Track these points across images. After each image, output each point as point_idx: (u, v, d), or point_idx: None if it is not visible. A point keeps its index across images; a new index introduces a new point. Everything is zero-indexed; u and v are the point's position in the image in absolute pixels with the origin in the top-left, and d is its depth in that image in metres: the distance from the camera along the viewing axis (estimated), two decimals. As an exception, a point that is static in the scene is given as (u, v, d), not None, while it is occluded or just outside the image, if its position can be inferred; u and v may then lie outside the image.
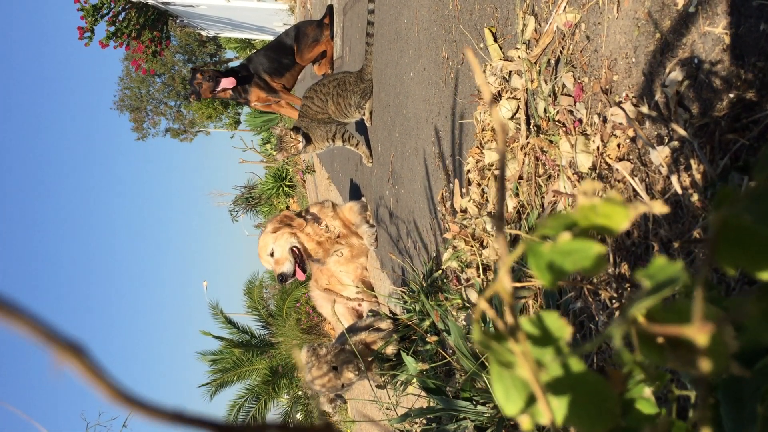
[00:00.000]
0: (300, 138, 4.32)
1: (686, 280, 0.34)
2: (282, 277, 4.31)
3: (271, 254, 4.31)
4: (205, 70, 6.48)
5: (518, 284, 1.75)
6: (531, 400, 0.40)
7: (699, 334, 0.33)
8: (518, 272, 1.84)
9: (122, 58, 36.19)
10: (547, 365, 0.41)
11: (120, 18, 13.48)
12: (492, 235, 2.12)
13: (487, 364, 1.94)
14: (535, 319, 0.42)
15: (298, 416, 12.26)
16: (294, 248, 4.31)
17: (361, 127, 4.96)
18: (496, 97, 2.04)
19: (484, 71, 2.16)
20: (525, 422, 0.40)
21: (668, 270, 0.37)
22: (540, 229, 0.41)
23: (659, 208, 0.39)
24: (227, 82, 6.48)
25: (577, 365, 0.41)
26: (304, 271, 4.37)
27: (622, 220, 0.39)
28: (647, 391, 0.54)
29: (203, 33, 24.97)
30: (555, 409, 0.40)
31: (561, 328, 0.41)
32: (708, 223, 1.10)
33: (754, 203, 0.35)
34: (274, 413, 12.43)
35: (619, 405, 0.42)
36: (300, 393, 12.00)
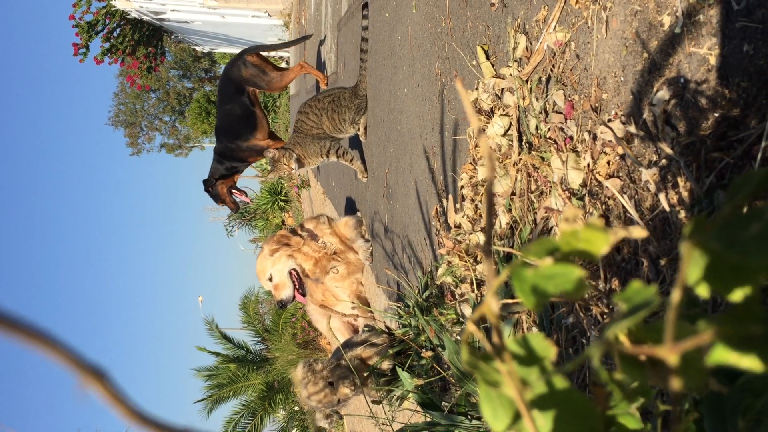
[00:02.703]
0: (293, 165, 4.36)
1: (659, 302, 0.36)
2: (281, 303, 4.34)
3: (270, 279, 4.33)
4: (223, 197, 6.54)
5: (511, 300, 1.76)
6: (517, 418, 0.42)
7: (669, 354, 0.35)
8: (511, 289, 1.86)
9: (117, 74, 36.41)
10: (532, 384, 0.43)
11: (115, 34, 13.55)
12: (486, 251, 2.14)
13: (481, 378, 1.96)
14: (521, 340, 0.44)
15: (295, 432, 12.22)
16: (292, 271, 4.33)
17: (355, 142, 4.99)
18: (489, 114, 2.06)
19: (477, 88, 2.19)
20: (511, 439, 0.42)
21: (643, 293, 0.39)
22: (524, 254, 0.43)
23: (638, 233, 0.42)
24: (239, 196, 6.70)
25: (561, 383, 0.43)
26: (303, 294, 4.39)
27: (602, 245, 0.41)
28: (632, 407, 0.56)
29: (198, 48, 25.07)
30: (540, 426, 0.42)
31: (546, 348, 0.43)
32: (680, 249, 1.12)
33: (723, 230, 0.37)
34: (270, 429, 12.39)
35: (602, 421, 0.44)
36: (296, 408, 11.97)
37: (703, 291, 0.38)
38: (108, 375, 0.25)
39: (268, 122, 6.48)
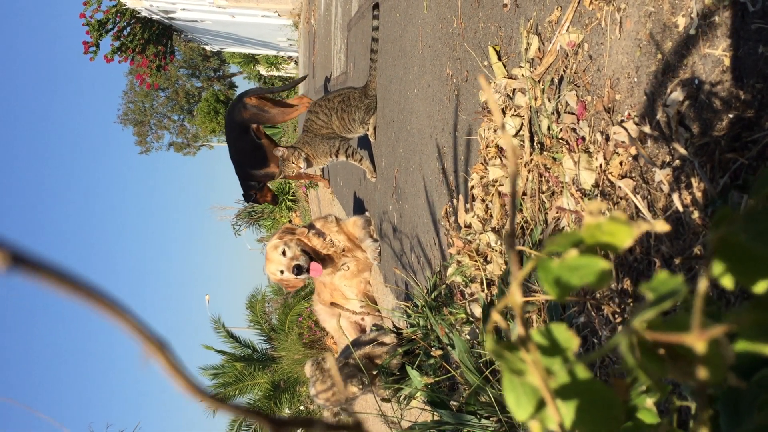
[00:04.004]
0: (302, 164, 4.41)
1: (686, 292, 0.37)
2: (298, 269, 4.25)
3: (283, 253, 4.31)
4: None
5: (523, 299, 1.77)
6: (540, 406, 0.43)
7: (697, 341, 0.36)
8: (522, 287, 1.86)
9: (126, 73, 36.51)
10: (556, 373, 0.43)
11: (125, 33, 13.60)
12: (496, 251, 2.14)
13: (491, 378, 1.96)
14: (545, 330, 0.45)
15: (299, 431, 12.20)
16: (305, 250, 4.34)
17: (365, 142, 5.00)
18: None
19: (482, 88, 2.20)
20: (535, 427, 0.43)
21: (670, 283, 0.39)
22: (549, 246, 0.44)
23: (661, 227, 0.42)
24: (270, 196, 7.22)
25: (583, 373, 0.44)
26: (318, 263, 4.37)
27: (625, 237, 0.42)
28: (649, 402, 0.57)
29: (207, 48, 25.17)
30: (563, 414, 0.43)
31: (569, 339, 0.44)
32: (707, 241, 1.13)
33: (749, 223, 0.38)
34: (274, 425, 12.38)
35: (623, 412, 0.44)
36: (302, 407, 11.98)
37: (727, 282, 0.38)
38: (170, 347, 0.26)
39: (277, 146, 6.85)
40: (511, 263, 0.43)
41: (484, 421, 1.94)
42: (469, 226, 2.43)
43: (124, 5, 13.35)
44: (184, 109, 38.85)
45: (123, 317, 0.24)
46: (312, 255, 4.35)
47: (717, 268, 0.38)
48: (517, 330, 0.44)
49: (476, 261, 2.28)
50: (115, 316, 0.24)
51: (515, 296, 0.42)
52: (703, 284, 0.36)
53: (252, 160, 6.57)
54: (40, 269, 0.22)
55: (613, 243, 0.42)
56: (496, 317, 0.43)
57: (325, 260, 4.44)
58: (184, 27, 17.08)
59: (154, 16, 14.65)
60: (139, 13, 13.98)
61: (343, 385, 3.09)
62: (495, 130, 2.23)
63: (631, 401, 0.52)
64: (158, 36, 14.66)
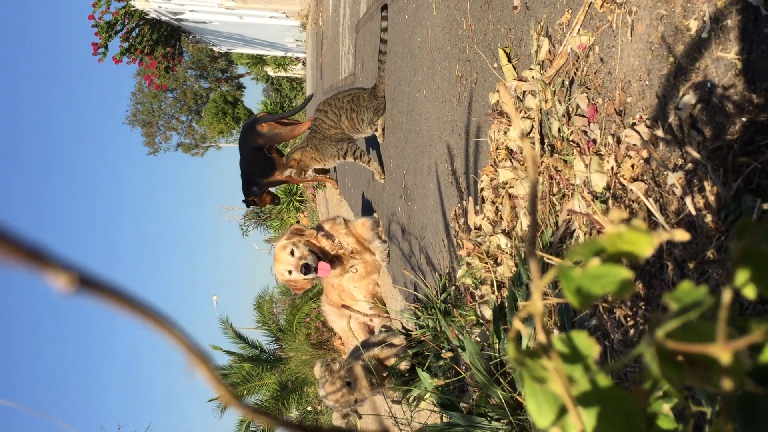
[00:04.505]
0: (309, 177, 4.66)
1: (711, 303, 0.37)
2: (306, 268, 4.27)
3: (291, 253, 4.33)
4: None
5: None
6: (561, 413, 0.44)
7: (723, 352, 0.36)
8: (531, 291, 1.87)
9: (135, 74, 36.65)
10: (577, 381, 0.44)
11: (133, 34, 13.67)
12: (506, 253, 2.15)
13: (501, 380, 1.97)
14: (566, 338, 0.45)
15: None
16: (313, 250, 4.37)
17: (373, 143, 5.01)
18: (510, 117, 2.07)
19: (498, 91, 2.20)
20: (556, 434, 0.43)
21: (694, 294, 0.40)
22: (571, 255, 0.44)
23: (680, 235, 0.43)
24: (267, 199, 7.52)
25: (604, 381, 0.44)
26: (328, 264, 4.40)
27: (646, 246, 0.42)
28: (666, 407, 0.57)
29: (215, 49, 25.27)
30: (585, 422, 0.43)
31: (589, 346, 0.45)
32: (725, 247, 1.13)
33: (770, 233, 0.38)
34: (283, 429, 12.40)
35: (644, 419, 0.45)
36: (309, 408, 11.99)
37: (749, 292, 0.39)
38: (212, 360, 0.27)
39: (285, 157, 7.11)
40: (532, 271, 0.43)
41: (494, 423, 1.94)
42: (479, 228, 2.44)
43: (133, 7, 13.42)
44: (192, 110, 38.99)
45: (173, 334, 0.25)
46: (320, 255, 4.37)
47: (740, 277, 0.39)
48: (537, 337, 0.44)
49: (486, 263, 2.29)
50: (166, 332, 0.25)
51: (537, 304, 0.42)
52: (727, 295, 0.36)
53: (261, 170, 6.89)
54: (103, 291, 0.23)
55: (634, 252, 0.42)
56: (517, 324, 0.43)
57: (334, 261, 4.46)
58: (192, 28, 17.15)
59: (163, 18, 14.72)
60: (147, 14, 14.04)
61: (366, 384, 3.10)
62: (505, 132, 2.23)
63: (649, 408, 0.52)
64: (166, 37, 14.72)
